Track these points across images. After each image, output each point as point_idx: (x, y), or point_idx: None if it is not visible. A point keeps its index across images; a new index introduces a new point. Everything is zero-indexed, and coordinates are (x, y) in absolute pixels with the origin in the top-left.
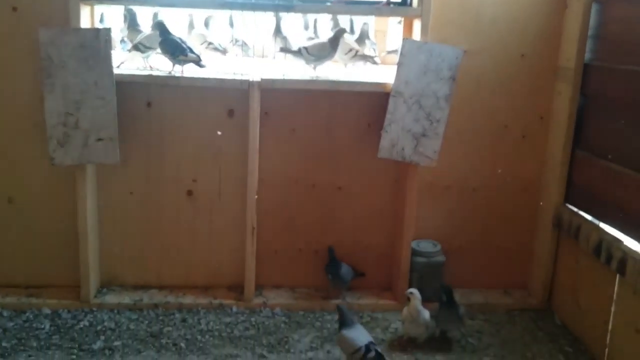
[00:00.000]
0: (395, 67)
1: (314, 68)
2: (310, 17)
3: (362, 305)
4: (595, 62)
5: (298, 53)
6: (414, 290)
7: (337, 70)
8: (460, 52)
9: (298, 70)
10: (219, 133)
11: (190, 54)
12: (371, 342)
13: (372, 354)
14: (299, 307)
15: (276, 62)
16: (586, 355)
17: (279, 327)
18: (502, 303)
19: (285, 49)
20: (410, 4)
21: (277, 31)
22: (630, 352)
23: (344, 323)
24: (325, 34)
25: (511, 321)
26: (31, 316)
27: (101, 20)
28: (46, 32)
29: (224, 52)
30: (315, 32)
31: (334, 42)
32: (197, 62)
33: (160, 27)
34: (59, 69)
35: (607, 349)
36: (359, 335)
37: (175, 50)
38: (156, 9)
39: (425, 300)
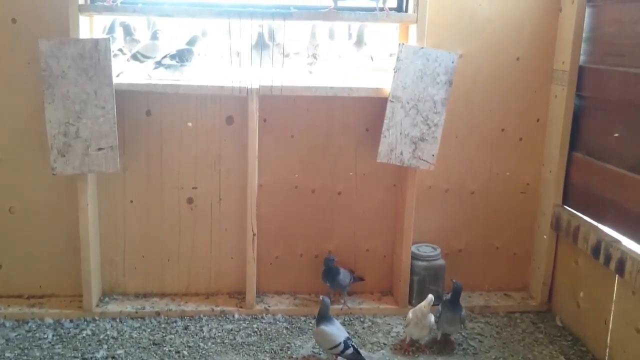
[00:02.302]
0: (393, 72)
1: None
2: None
3: (363, 309)
4: (590, 64)
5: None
6: (432, 298)
7: (335, 75)
8: (455, 57)
9: (295, 77)
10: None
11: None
12: (348, 338)
13: (350, 350)
14: (300, 313)
15: (273, 70)
16: (587, 356)
17: (281, 333)
18: (502, 305)
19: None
20: (406, 10)
21: (272, 39)
22: (631, 352)
23: (323, 317)
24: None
25: (512, 323)
26: (34, 326)
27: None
28: (46, 43)
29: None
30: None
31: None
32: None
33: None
34: (58, 79)
35: (607, 349)
36: (337, 330)
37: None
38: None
39: None
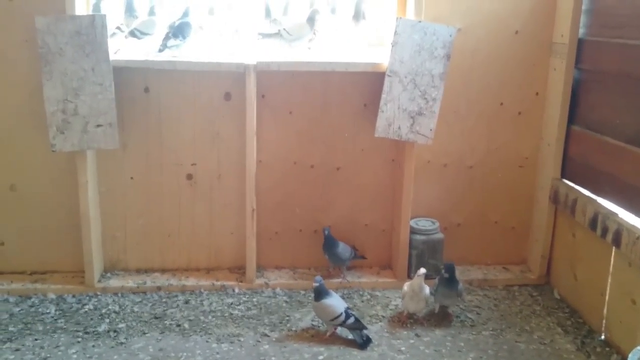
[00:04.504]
0: (390, 46)
1: (291, 46)
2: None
3: (362, 283)
4: (589, 37)
5: (277, 35)
6: (425, 271)
7: (333, 51)
8: (453, 30)
9: (293, 53)
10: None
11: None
12: (348, 308)
13: (352, 319)
14: (300, 287)
15: (269, 45)
16: (584, 327)
17: (281, 307)
18: (501, 279)
19: (264, 34)
20: None
21: (267, 14)
22: (626, 323)
23: (323, 292)
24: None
25: (510, 296)
26: (37, 301)
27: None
28: (42, 20)
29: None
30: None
31: (311, 21)
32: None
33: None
34: (56, 57)
35: (604, 321)
36: (337, 302)
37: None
38: None
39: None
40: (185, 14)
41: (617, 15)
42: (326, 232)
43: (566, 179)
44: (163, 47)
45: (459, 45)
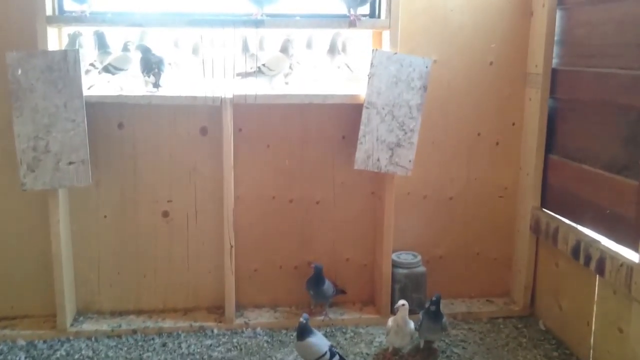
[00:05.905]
0: (367, 78)
1: (272, 82)
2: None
3: (345, 320)
4: (562, 66)
5: (257, 72)
6: (405, 302)
7: (309, 84)
8: (429, 62)
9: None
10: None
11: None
12: (332, 346)
13: (336, 357)
14: (281, 326)
15: (247, 80)
16: (571, 358)
17: (262, 347)
18: (485, 311)
19: (242, 74)
20: (379, 16)
21: (245, 49)
22: (614, 352)
23: (306, 331)
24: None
25: (495, 329)
26: (5, 349)
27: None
28: (13, 55)
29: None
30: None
31: (285, 51)
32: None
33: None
34: (27, 93)
35: (591, 351)
36: (321, 340)
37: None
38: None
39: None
40: (147, 50)
41: (588, 45)
42: (314, 267)
43: (546, 208)
44: (159, 83)
45: (435, 76)
